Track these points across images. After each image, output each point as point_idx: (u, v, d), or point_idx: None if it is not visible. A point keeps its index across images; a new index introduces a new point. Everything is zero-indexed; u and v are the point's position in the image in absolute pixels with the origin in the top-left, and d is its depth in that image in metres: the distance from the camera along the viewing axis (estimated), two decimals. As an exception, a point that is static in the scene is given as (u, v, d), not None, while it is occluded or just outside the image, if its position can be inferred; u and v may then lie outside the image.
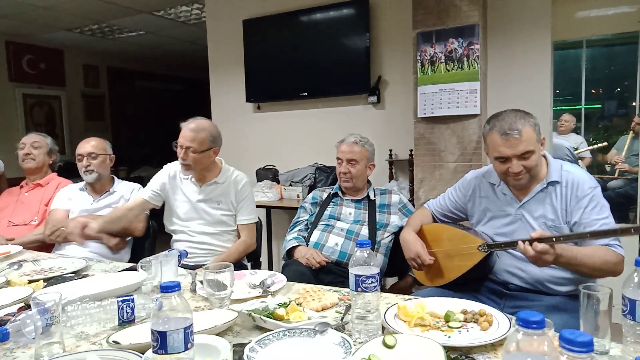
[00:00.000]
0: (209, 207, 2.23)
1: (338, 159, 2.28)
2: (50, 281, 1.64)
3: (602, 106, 5.93)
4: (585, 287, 1.04)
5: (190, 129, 2.13)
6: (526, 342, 0.69)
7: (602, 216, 1.54)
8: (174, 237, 2.31)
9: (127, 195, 2.49)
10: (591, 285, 1.04)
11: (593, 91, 5.76)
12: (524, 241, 1.44)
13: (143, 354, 1.00)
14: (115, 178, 2.58)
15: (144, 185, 2.62)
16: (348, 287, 1.47)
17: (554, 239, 1.41)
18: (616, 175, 4.22)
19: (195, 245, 2.21)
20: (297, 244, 2.19)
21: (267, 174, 3.78)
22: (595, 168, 4.90)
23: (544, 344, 0.68)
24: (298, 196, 3.49)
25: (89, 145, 2.47)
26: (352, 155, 2.23)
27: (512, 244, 1.51)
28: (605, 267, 1.47)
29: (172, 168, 2.33)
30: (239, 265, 2.14)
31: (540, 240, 1.40)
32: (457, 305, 1.27)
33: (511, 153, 1.54)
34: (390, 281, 2.38)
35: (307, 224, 2.33)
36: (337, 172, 2.30)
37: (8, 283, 1.60)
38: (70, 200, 2.47)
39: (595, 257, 1.46)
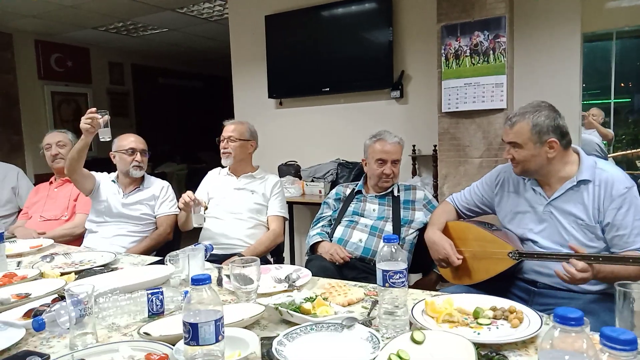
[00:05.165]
0: (243, 195, 2.41)
1: (380, 159, 2.17)
2: (81, 273, 1.68)
3: (632, 100, 5.75)
4: (621, 285, 1.01)
5: (231, 123, 2.47)
6: (564, 339, 0.67)
7: (637, 217, 1.49)
8: (206, 225, 2.35)
9: (157, 193, 2.52)
10: (627, 282, 1.01)
11: (622, 84, 5.59)
12: (560, 257, 1.43)
13: (173, 345, 1.02)
14: (146, 174, 2.58)
15: (166, 179, 2.68)
16: (372, 283, 1.48)
17: (592, 258, 1.38)
18: None
19: (225, 234, 2.33)
20: (320, 239, 2.19)
21: (289, 169, 3.79)
22: (625, 164, 4.77)
23: (583, 342, 0.66)
24: (320, 192, 3.49)
25: (140, 142, 2.51)
26: (397, 156, 2.20)
27: (546, 257, 1.51)
28: None
29: (214, 171, 2.59)
30: (263, 260, 2.17)
31: (578, 257, 1.37)
32: (486, 301, 1.25)
33: (504, 139, 1.64)
34: (414, 278, 2.36)
35: (330, 220, 2.32)
36: (377, 173, 2.18)
37: (42, 275, 1.65)
38: (102, 183, 2.51)
39: (631, 269, 1.42)
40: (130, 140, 2.49)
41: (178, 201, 2.25)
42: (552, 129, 1.55)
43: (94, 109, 2.09)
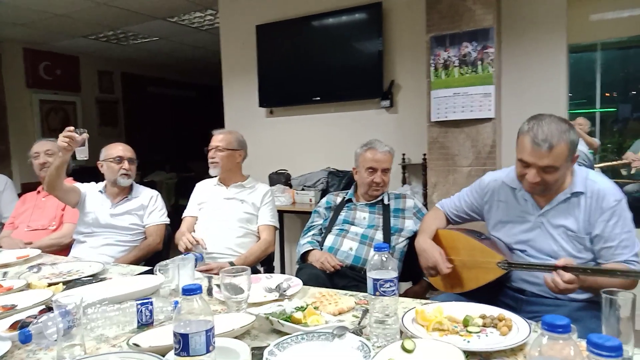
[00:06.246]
0: (233, 205, 2.40)
1: (370, 168, 2.19)
2: (69, 284, 1.66)
3: (617, 109, 5.86)
4: (607, 292, 1.02)
5: (219, 132, 2.48)
6: (552, 346, 0.68)
7: (624, 230, 1.50)
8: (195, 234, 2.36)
9: (146, 203, 2.50)
10: (613, 290, 1.02)
11: (607, 94, 5.69)
12: (548, 268, 1.42)
13: (163, 356, 1.01)
14: (134, 183, 2.57)
15: (155, 188, 2.66)
16: (362, 292, 1.48)
17: (581, 270, 1.38)
18: (632, 172, 4.16)
19: (215, 244, 2.30)
20: (311, 248, 2.19)
21: (280, 178, 3.80)
22: (611, 172, 4.84)
23: (570, 349, 0.67)
24: (310, 200, 3.49)
25: (127, 150, 2.50)
26: (387, 165, 2.22)
27: (534, 267, 1.51)
28: (624, 284, 1.44)
29: (202, 183, 2.58)
30: (253, 270, 2.17)
31: (566, 268, 1.37)
32: (476, 309, 1.26)
33: (533, 162, 1.49)
34: (405, 286, 2.37)
35: (321, 229, 2.32)
36: (367, 182, 2.20)
37: (28, 286, 1.63)
38: (88, 194, 2.49)
39: (616, 280, 1.42)
40: (118, 149, 2.48)
41: (175, 238, 2.33)
42: (577, 143, 1.52)
43: (71, 128, 2.08)
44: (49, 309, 1.30)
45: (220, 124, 4.28)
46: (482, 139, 2.82)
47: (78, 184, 2.53)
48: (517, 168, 1.60)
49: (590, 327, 1.34)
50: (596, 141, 4.82)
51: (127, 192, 2.51)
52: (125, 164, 2.44)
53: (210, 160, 2.42)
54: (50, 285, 1.63)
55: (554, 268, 1.40)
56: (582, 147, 4.23)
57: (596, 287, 1.43)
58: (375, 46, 3.47)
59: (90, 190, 2.51)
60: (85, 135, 2.09)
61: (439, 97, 2.90)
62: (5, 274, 1.89)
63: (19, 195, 3.07)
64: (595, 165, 4.56)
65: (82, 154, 2.10)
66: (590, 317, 1.45)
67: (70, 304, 1.08)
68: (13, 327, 1.22)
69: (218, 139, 2.42)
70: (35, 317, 1.22)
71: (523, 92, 3.02)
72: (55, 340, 1.10)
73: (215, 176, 2.49)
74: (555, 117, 1.52)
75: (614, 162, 4.91)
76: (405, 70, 3.47)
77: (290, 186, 3.72)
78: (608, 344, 0.63)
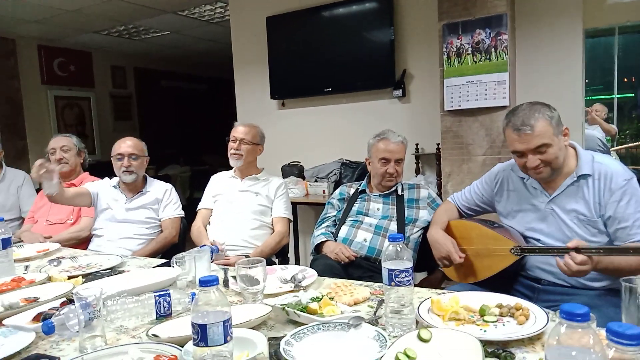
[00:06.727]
0: (247, 197, 2.42)
1: (383, 159, 2.18)
2: (88, 277, 1.69)
3: (635, 95, 5.73)
4: (626, 280, 1.01)
5: (244, 125, 2.47)
6: (570, 335, 0.67)
7: (638, 209, 1.48)
8: (211, 227, 2.41)
9: (160, 196, 2.52)
10: (632, 278, 1.01)
11: (625, 80, 5.57)
12: (560, 251, 1.41)
13: (182, 346, 1.02)
14: (148, 177, 2.60)
15: (170, 182, 2.68)
16: (377, 282, 1.49)
17: (593, 250, 1.37)
18: None
19: (230, 236, 2.32)
20: (325, 239, 2.20)
21: (293, 170, 3.80)
22: (629, 158, 4.75)
23: (590, 337, 0.66)
24: (324, 192, 3.49)
25: (130, 146, 2.49)
26: (400, 155, 2.21)
27: (547, 251, 1.51)
28: None
29: (217, 176, 2.59)
30: (268, 262, 2.19)
31: (578, 250, 1.36)
32: (492, 299, 1.26)
33: (524, 148, 1.54)
34: (419, 276, 2.37)
35: (334, 220, 2.33)
36: (380, 172, 2.19)
37: (49, 279, 1.66)
38: (101, 192, 2.52)
39: (632, 259, 1.42)
40: (120, 146, 2.49)
41: (191, 232, 2.37)
42: (559, 117, 1.55)
43: (41, 161, 2.12)
44: (70, 301, 1.33)
45: (233, 117, 4.30)
46: (496, 128, 2.78)
47: (88, 184, 2.56)
48: (516, 163, 1.63)
49: (609, 315, 1.33)
50: (614, 128, 4.73)
51: (141, 186, 2.54)
52: (125, 161, 2.44)
53: (233, 152, 2.41)
54: (70, 278, 1.66)
55: (566, 250, 1.40)
56: (597, 134, 4.16)
57: (613, 268, 1.43)
58: (387, 35, 3.44)
59: (102, 187, 2.53)
60: (54, 167, 2.14)
61: (452, 86, 2.87)
62: (26, 267, 1.93)
63: (37, 190, 3.13)
64: (611, 149, 4.48)
65: (50, 189, 2.13)
66: (609, 305, 1.44)
67: (91, 296, 1.11)
68: (36, 319, 1.25)
69: (243, 131, 2.41)
70: (57, 309, 1.24)
71: (538, 79, 2.97)
72: (77, 331, 1.13)
73: (232, 168, 2.50)
74: (528, 103, 1.58)
75: (630, 145, 4.82)
76: (418, 59, 3.43)
77: (304, 178, 3.72)
78: (629, 333, 0.62)
